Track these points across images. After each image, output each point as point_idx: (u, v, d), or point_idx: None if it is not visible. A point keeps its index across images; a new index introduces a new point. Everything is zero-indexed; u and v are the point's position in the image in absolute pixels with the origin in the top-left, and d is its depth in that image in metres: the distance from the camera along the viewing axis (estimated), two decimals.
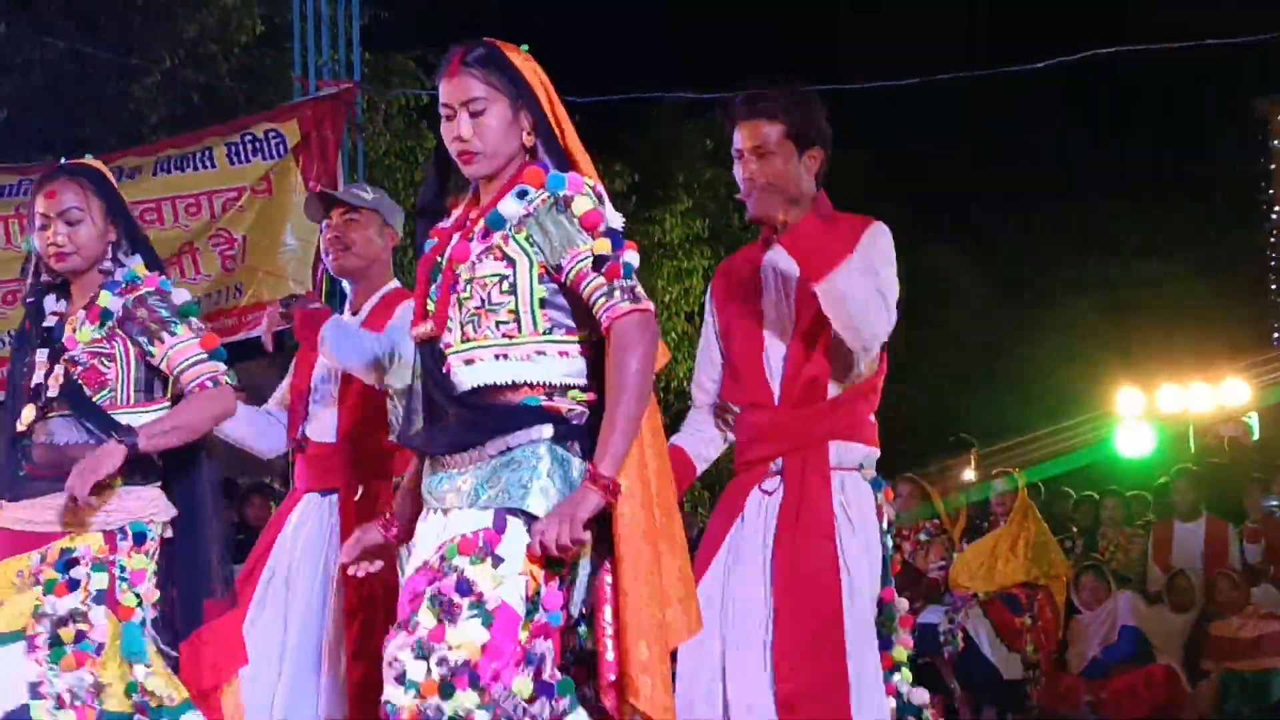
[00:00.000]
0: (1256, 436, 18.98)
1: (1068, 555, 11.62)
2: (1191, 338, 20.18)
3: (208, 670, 4.56)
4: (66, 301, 4.67)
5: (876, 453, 4.59)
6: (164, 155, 10.44)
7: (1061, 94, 19.01)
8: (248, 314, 10.13)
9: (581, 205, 3.68)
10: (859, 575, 4.40)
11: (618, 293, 3.63)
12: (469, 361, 3.69)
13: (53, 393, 4.52)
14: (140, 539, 4.50)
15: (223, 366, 4.60)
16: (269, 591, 5.39)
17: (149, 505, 4.56)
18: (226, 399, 4.58)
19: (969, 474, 12.58)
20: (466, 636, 3.49)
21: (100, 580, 4.41)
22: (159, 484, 4.61)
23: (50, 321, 4.64)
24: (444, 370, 3.72)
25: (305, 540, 5.37)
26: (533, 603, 3.58)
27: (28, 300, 4.73)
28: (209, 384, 4.54)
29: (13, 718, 4.32)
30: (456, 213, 3.90)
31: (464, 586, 3.53)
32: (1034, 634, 10.89)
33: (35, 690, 4.32)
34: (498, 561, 3.55)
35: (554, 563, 3.59)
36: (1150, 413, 17.58)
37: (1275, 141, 23.56)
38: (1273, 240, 23.54)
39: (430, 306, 3.77)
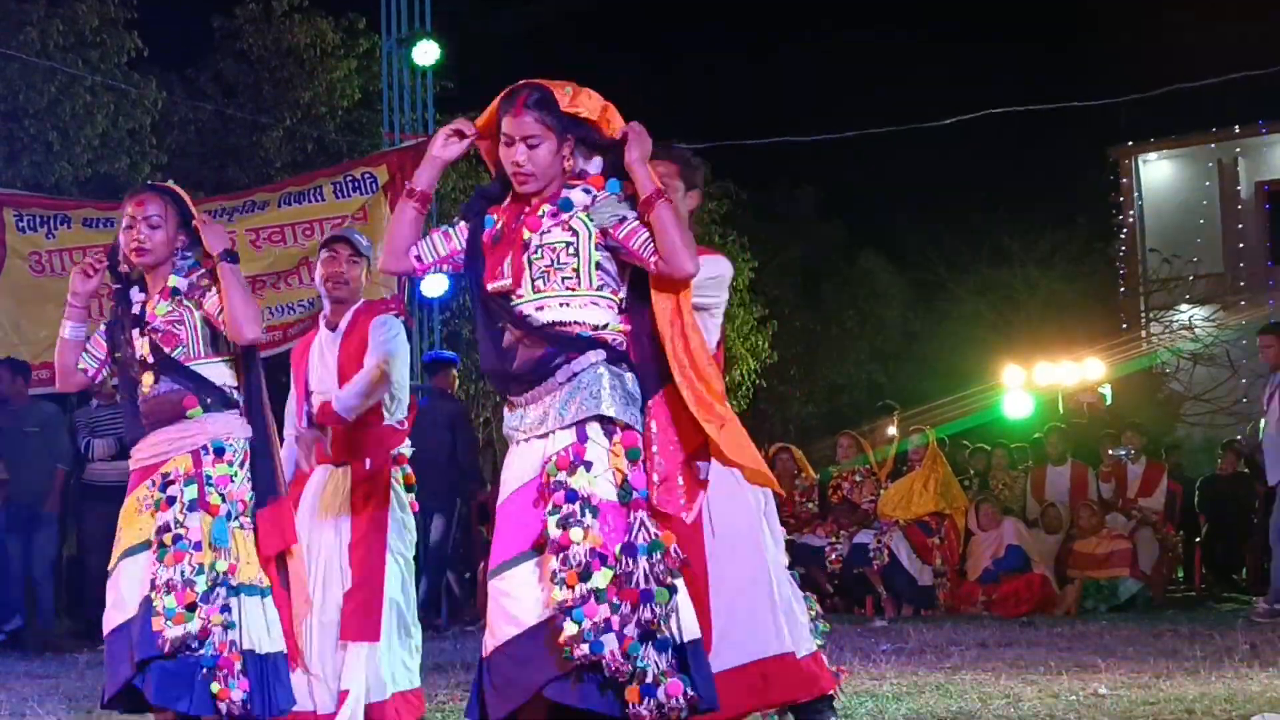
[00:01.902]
0: (1109, 402, 19.02)
1: (966, 492, 11.65)
2: (1060, 328, 20.15)
3: (269, 541, 4.53)
4: (144, 291, 4.61)
5: None
6: (286, 191, 10.51)
7: (967, 141, 18.98)
8: None
9: (620, 208, 3.73)
10: None
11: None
12: (539, 308, 3.69)
13: (149, 360, 4.50)
14: (220, 452, 4.48)
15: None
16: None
17: (225, 425, 4.52)
18: (257, 321, 4.49)
19: (892, 431, 12.53)
20: (584, 531, 3.51)
21: (191, 491, 4.40)
22: (236, 410, 4.58)
23: (136, 308, 4.58)
24: (518, 314, 3.70)
25: (323, 505, 5.16)
26: (624, 488, 3.60)
27: (115, 287, 4.66)
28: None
29: (141, 606, 4.34)
30: (506, 204, 3.85)
31: (571, 495, 3.55)
32: (941, 550, 10.92)
33: (151, 583, 4.33)
34: (588, 466, 3.58)
35: (632, 453, 3.62)
36: (1029, 384, 17.57)
37: (1123, 180, 23.51)
38: (1121, 254, 23.49)
39: (506, 267, 3.72)
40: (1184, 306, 22.18)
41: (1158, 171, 23.51)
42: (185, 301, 4.54)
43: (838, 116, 16.35)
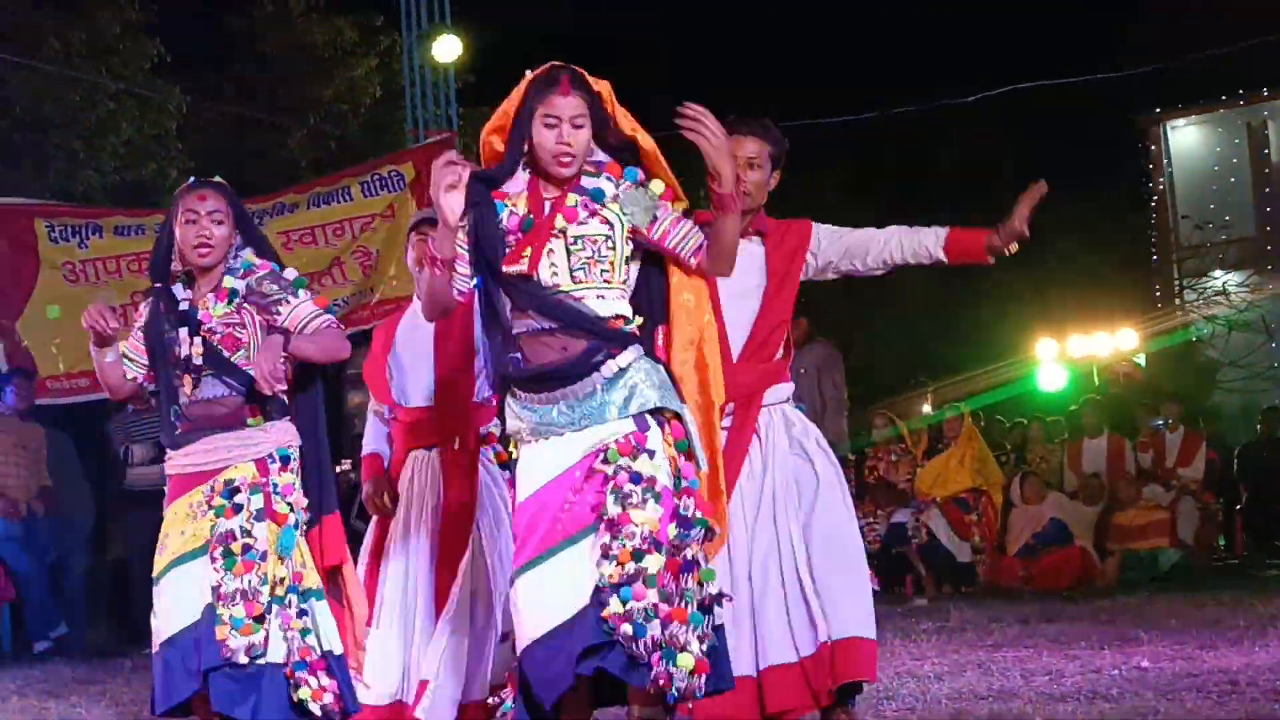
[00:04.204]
0: (1144, 373, 18.93)
1: (1002, 467, 11.65)
2: (1094, 299, 20.01)
3: (326, 555, 4.56)
4: (192, 290, 4.49)
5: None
6: (314, 192, 10.57)
7: (993, 115, 18.89)
8: (380, 308, 10.23)
9: (656, 186, 3.82)
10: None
11: (700, 232, 3.83)
12: (578, 299, 3.70)
13: (197, 361, 4.39)
14: (286, 460, 4.45)
15: (335, 319, 4.55)
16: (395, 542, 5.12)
17: (285, 434, 4.49)
18: (345, 340, 4.51)
19: (926, 407, 12.60)
20: (645, 515, 3.55)
21: (257, 500, 4.36)
22: (290, 419, 4.53)
23: (184, 305, 4.46)
24: (554, 302, 3.68)
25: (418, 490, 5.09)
26: (676, 476, 3.67)
27: (156, 286, 4.55)
28: (336, 324, 4.52)
29: (203, 615, 4.28)
30: (517, 189, 3.80)
31: (635, 478, 3.59)
32: (979, 527, 10.93)
33: (215, 591, 4.28)
34: (651, 454, 3.63)
35: (680, 444, 3.70)
36: (1063, 356, 17.50)
37: (1152, 147, 23.38)
38: (1153, 222, 23.36)
39: (529, 252, 3.71)
40: (1217, 272, 22.05)
41: (1187, 138, 23.36)
42: (245, 305, 4.47)
43: (864, 96, 16.31)
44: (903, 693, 5.41)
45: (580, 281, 3.71)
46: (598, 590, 3.53)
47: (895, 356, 24.57)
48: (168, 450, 4.54)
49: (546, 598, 3.58)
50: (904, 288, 25.03)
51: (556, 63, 3.81)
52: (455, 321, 5.10)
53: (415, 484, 5.07)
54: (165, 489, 4.57)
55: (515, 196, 3.80)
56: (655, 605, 3.49)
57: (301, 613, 4.37)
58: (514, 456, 3.84)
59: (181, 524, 4.42)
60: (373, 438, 5.30)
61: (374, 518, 5.24)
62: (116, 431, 9.80)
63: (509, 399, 3.80)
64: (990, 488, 11.13)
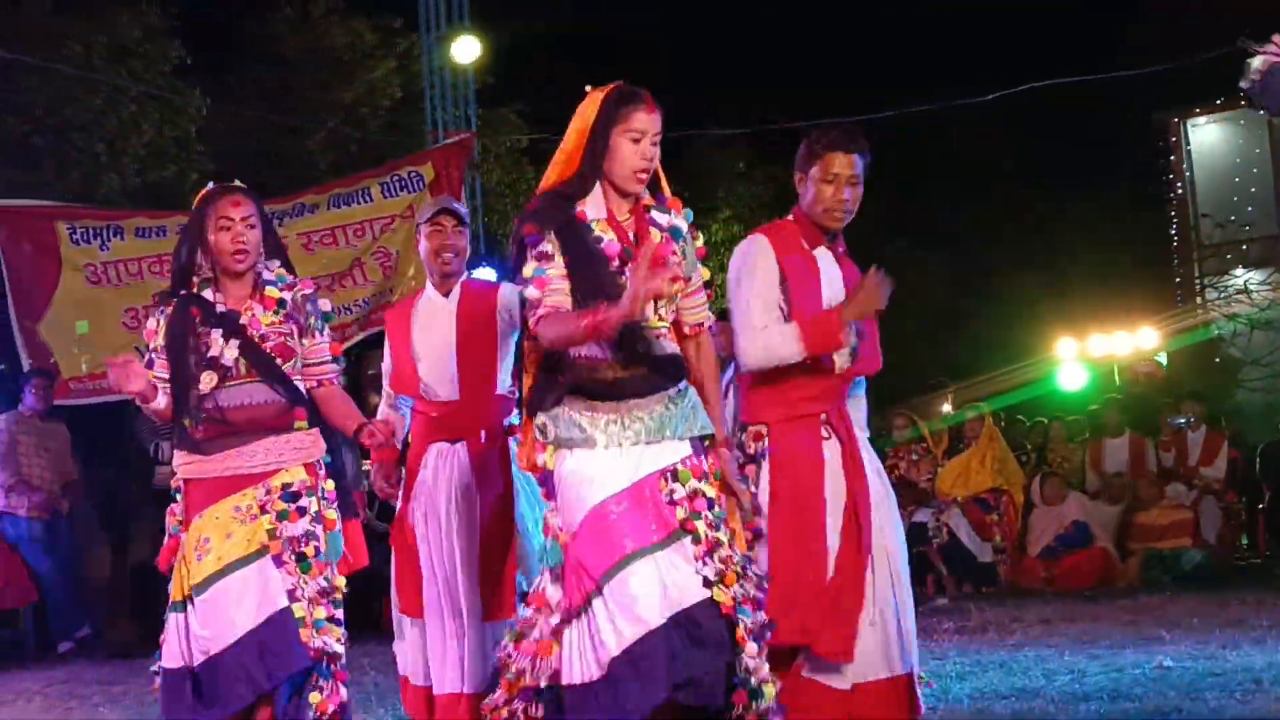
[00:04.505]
0: (1165, 371, 18.86)
1: (1024, 467, 11.63)
2: (1113, 298, 19.95)
3: (355, 559, 4.58)
4: (222, 294, 4.42)
5: None
6: (334, 193, 10.62)
7: (996, 115, 18.84)
8: None
9: (697, 243, 3.90)
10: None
11: (708, 313, 3.94)
12: (658, 336, 3.73)
13: (227, 362, 4.32)
14: (328, 466, 4.47)
15: (337, 371, 4.59)
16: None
17: (323, 440, 4.49)
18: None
19: (946, 407, 12.52)
20: (727, 536, 3.60)
21: (313, 503, 4.36)
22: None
23: (221, 308, 4.39)
24: (637, 334, 3.66)
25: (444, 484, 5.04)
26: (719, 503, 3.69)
27: (181, 293, 4.44)
28: (337, 380, 4.56)
29: (274, 620, 4.22)
30: (596, 212, 3.73)
31: (710, 502, 3.62)
32: (1000, 527, 10.92)
33: (292, 595, 4.25)
34: (708, 477, 3.67)
35: (717, 475, 3.72)
36: (1083, 356, 17.45)
37: (1172, 145, 23.29)
38: (1173, 220, 23.27)
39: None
40: (1239, 270, 21.96)
41: (1207, 136, 23.26)
42: (291, 317, 4.46)
43: (864, 96, 16.26)
44: (924, 694, 5.39)
45: (662, 319, 3.75)
46: (724, 614, 3.52)
47: (918, 357, 24.54)
48: (188, 453, 4.43)
49: (636, 605, 3.47)
50: (924, 289, 25.01)
51: (621, 82, 3.78)
52: (478, 314, 5.10)
53: (440, 477, 5.03)
54: (180, 490, 4.48)
55: (595, 221, 3.73)
56: (764, 626, 3.57)
57: (342, 621, 4.40)
58: (547, 466, 3.69)
59: (226, 527, 4.33)
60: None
61: (394, 516, 5.22)
62: (144, 429, 9.83)
63: (557, 408, 3.68)
64: (1011, 487, 11.11)
